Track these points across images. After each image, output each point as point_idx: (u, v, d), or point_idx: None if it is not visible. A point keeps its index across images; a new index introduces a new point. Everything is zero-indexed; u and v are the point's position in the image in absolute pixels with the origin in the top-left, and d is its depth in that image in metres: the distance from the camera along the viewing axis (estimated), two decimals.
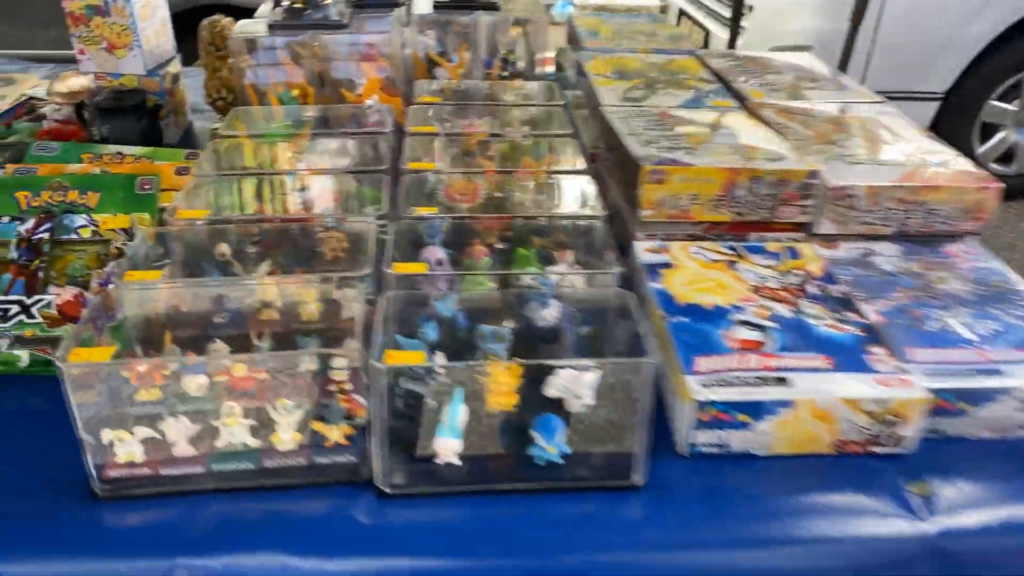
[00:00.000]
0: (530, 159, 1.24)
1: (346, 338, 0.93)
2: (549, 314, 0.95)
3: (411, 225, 1.03)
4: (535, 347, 0.92)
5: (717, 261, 1.03)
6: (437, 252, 1.05)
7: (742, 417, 0.81)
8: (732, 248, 1.06)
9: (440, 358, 0.82)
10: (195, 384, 0.84)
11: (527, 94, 1.48)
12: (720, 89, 1.42)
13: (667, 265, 1.02)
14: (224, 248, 1.04)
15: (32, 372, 0.92)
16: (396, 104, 1.43)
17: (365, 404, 0.81)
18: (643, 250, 1.05)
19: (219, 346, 0.90)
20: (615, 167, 1.22)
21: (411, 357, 0.75)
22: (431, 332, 0.89)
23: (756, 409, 0.81)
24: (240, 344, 0.92)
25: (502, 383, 0.82)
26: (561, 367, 0.79)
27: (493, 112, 1.40)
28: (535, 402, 0.84)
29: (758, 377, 0.83)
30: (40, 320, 0.93)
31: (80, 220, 1.01)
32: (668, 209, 1.06)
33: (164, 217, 1.07)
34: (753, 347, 0.87)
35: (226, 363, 0.79)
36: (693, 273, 1.00)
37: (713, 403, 0.80)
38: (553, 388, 0.85)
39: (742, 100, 1.36)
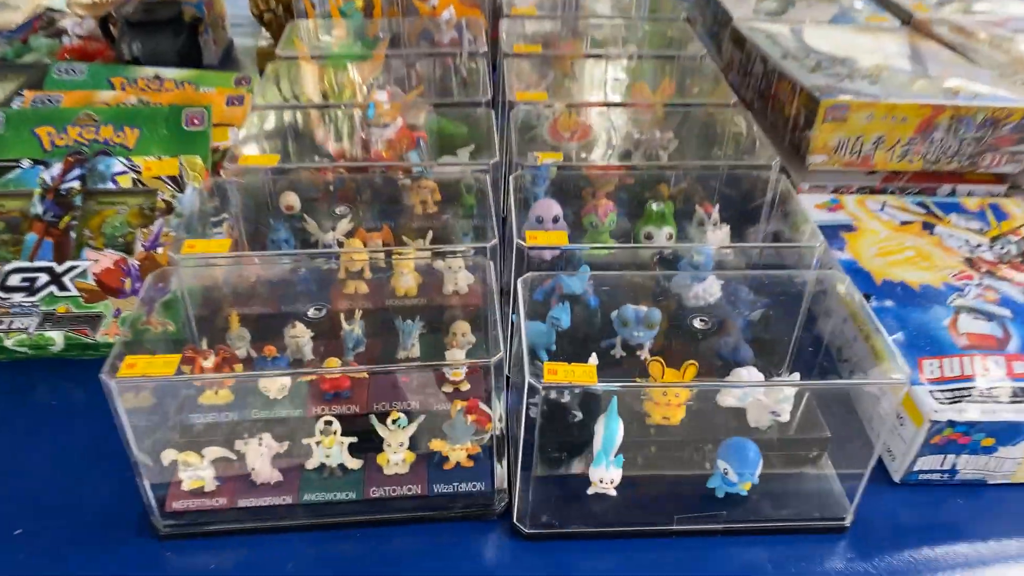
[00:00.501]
0: (656, 85, 1.02)
1: (455, 320, 0.74)
2: (705, 292, 0.75)
3: (526, 176, 0.83)
4: (690, 336, 0.73)
5: (908, 223, 0.82)
6: (552, 207, 0.85)
7: (987, 441, 0.62)
8: (922, 205, 0.85)
9: (593, 361, 0.63)
10: (276, 385, 0.67)
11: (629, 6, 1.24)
12: (869, 1, 1.17)
13: (848, 227, 0.81)
14: (292, 199, 0.84)
15: (68, 356, 0.74)
16: (476, 16, 1.20)
17: (496, 415, 0.63)
18: (812, 207, 0.84)
19: (299, 331, 0.71)
20: (757, 98, 1.00)
21: (580, 373, 0.56)
22: (564, 317, 0.70)
23: (1011, 432, 0.62)
24: (325, 326, 0.73)
25: (671, 393, 0.63)
26: (774, 384, 0.60)
27: (593, 28, 1.17)
28: (703, 413, 0.66)
29: (1016, 389, 0.63)
30: (74, 293, 0.75)
31: (117, 165, 0.81)
32: (846, 155, 0.85)
33: (219, 160, 0.87)
34: (989, 345, 0.67)
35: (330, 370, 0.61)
36: (883, 238, 0.79)
37: (953, 424, 0.61)
38: (731, 396, 0.67)
39: (902, 16, 1.11)
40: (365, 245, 0.81)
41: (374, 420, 0.61)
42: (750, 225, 0.82)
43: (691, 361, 0.63)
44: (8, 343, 0.71)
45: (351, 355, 0.72)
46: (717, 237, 0.79)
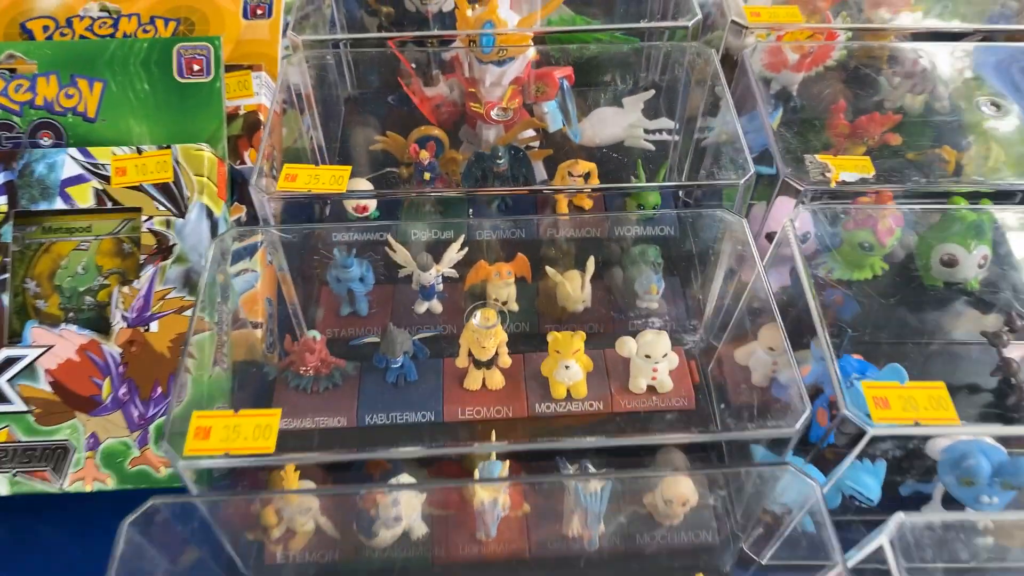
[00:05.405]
0: None
1: (668, 455, 0.43)
2: None
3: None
4: None
5: None
6: (798, 217, 0.52)
7: None
8: None
9: None
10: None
11: None
12: None
13: None
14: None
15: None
16: None
17: None
18: None
19: (407, 504, 0.40)
20: None
21: None
22: (874, 485, 0.39)
23: None
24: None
25: None
26: None
27: None
28: None
29: None
30: (20, 405, 0.44)
31: (68, 163, 0.47)
32: None
33: (241, 135, 0.53)
34: None
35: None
36: None
37: None
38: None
39: None
40: (489, 298, 0.49)
41: None
42: None
43: None
44: None
45: (493, 528, 0.42)
46: None
